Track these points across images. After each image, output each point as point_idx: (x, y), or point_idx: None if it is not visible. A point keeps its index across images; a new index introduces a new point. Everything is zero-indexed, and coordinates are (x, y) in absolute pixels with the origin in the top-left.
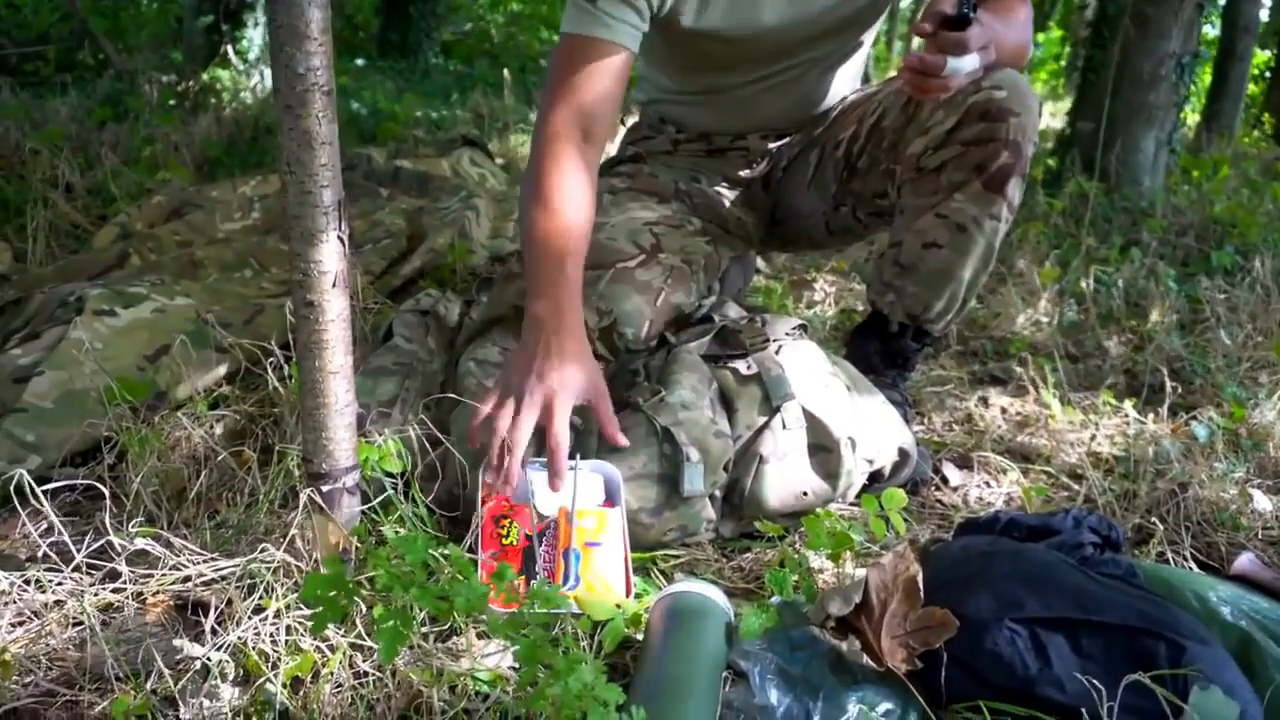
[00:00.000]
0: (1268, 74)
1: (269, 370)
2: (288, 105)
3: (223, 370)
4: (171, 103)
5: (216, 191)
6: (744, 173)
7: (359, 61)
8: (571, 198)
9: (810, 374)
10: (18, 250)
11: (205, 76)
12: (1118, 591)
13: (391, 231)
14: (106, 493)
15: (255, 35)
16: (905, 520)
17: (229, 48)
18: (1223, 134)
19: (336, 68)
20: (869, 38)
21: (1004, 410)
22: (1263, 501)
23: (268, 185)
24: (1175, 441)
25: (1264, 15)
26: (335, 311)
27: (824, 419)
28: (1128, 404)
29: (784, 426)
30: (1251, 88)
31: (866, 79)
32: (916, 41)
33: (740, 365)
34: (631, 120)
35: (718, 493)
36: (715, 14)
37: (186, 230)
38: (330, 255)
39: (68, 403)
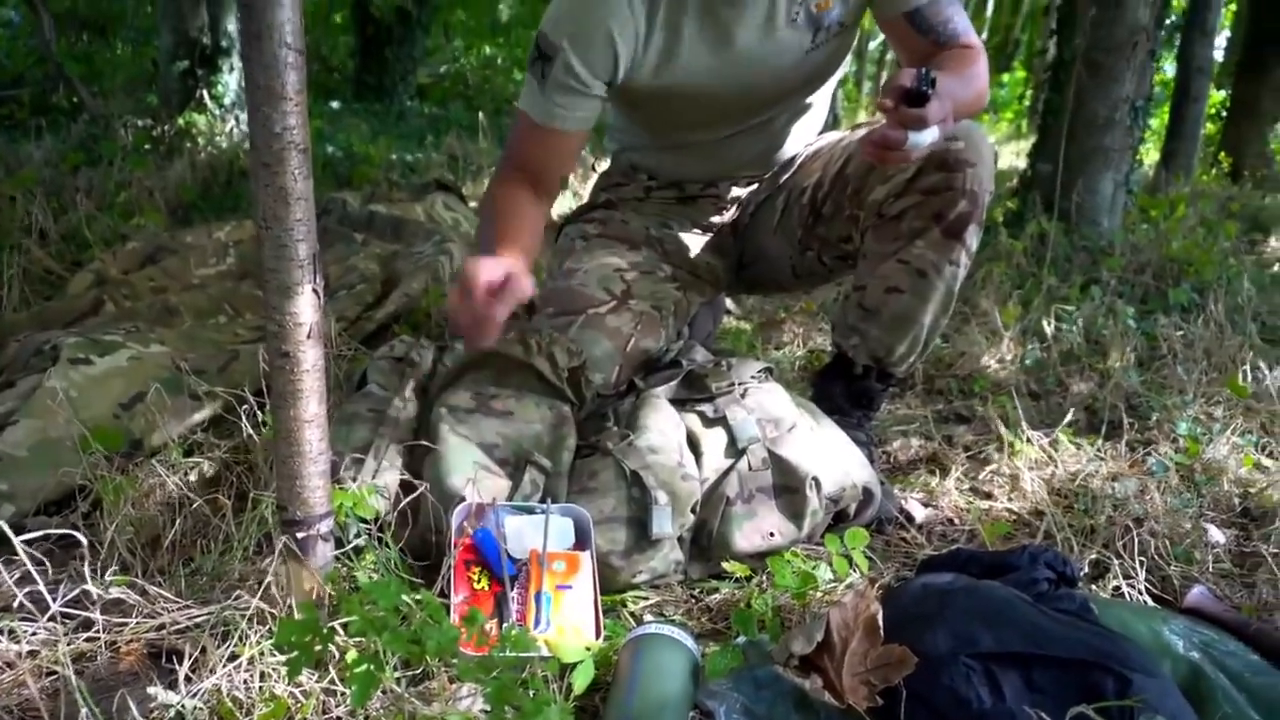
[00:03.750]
0: (1224, 113)
1: (243, 418)
2: (265, 163)
3: (198, 417)
4: (146, 147)
5: (191, 237)
6: (714, 218)
7: (334, 104)
8: (522, 212)
9: (775, 416)
10: None
11: (180, 121)
12: (1069, 626)
13: (366, 277)
14: (84, 541)
15: (230, 80)
16: (870, 559)
17: (204, 92)
18: (1178, 174)
19: (312, 110)
20: (831, 86)
21: (967, 448)
22: (1216, 535)
23: (242, 230)
24: (1132, 477)
25: (1219, 55)
26: (310, 362)
27: (789, 460)
28: (1085, 441)
29: (750, 468)
30: (1210, 127)
31: (835, 120)
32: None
33: (707, 408)
34: (604, 166)
35: (686, 535)
36: (674, 72)
37: (161, 276)
38: (305, 307)
39: (42, 451)
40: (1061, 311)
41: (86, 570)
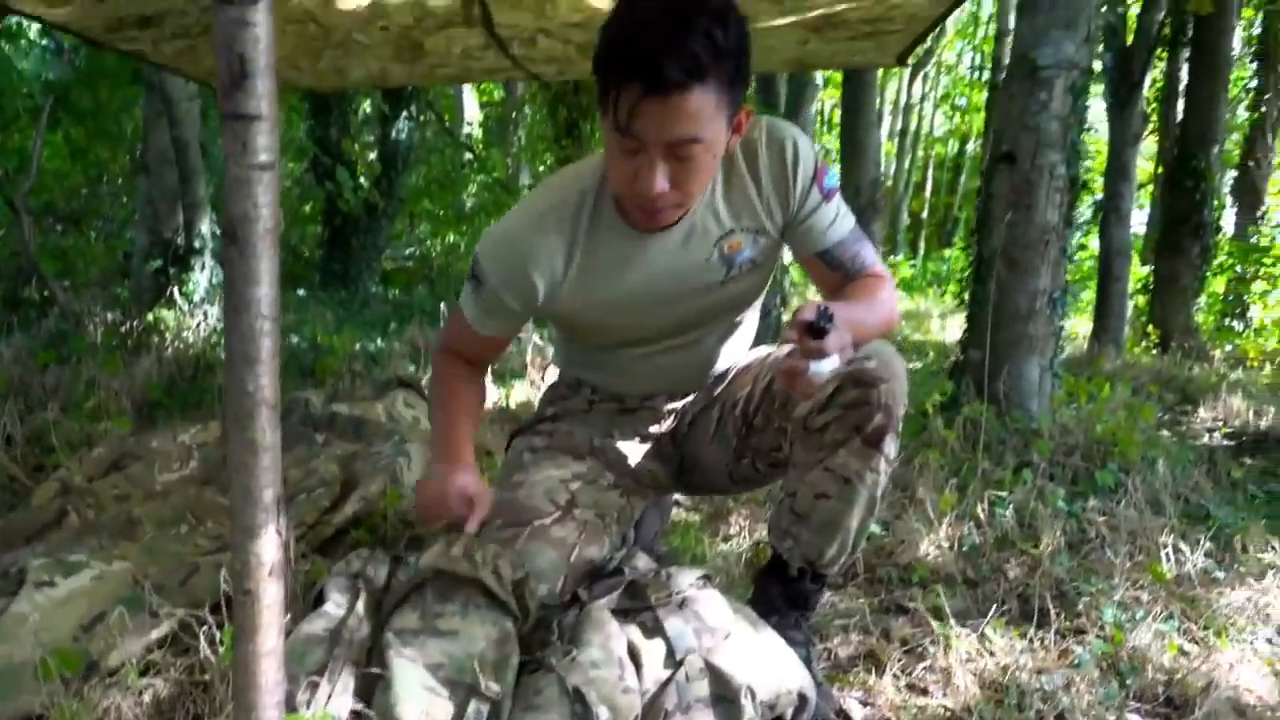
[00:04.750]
0: (1151, 288)
1: (201, 637)
2: (236, 419)
3: (156, 634)
4: (114, 343)
5: (156, 441)
6: (653, 428)
7: (300, 292)
8: (464, 393)
9: (713, 625)
10: None
11: (150, 317)
12: None
13: (325, 480)
14: None
15: (201, 278)
16: None
17: (174, 289)
18: (1102, 353)
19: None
20: (758, 308)
21: (905, 641)
22: None
23: (206, 433)
24: (1059, 669)
25: (1143, 229)
26: (270, 598)
27: (725, 670)
28: (1014, 633)
29: (687, 679)
30: (1141, 300)
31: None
32: None
33: (647, 618)
34: (552, 376)
35: None
36: (597, 303)
37: (125, 484)
38: (268, 547)
39: (6, 679)
40: (995, 497)
41: None
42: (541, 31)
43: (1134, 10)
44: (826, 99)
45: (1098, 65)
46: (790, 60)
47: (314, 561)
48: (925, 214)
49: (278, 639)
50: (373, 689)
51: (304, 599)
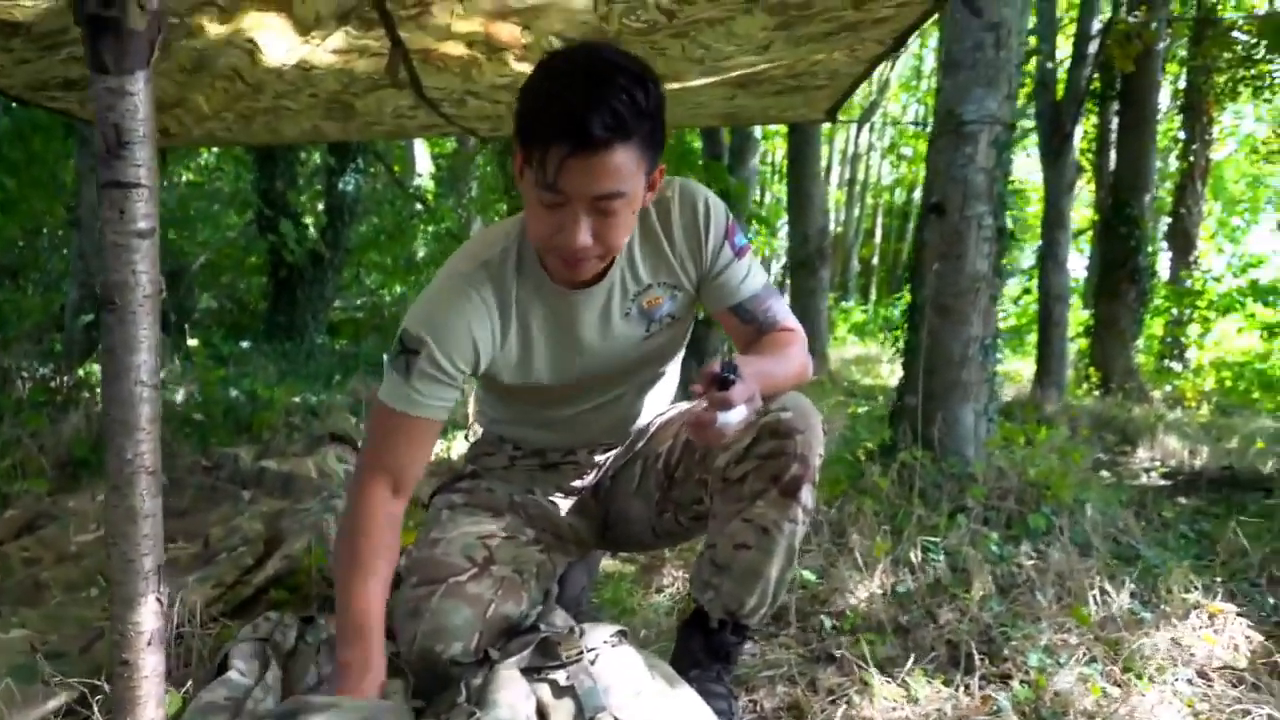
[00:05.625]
0: (1090, 332)
1: (95, 708)
2: (115, 486)
3: (51, 705)
4: (42, 399)
5: (74, 501)
6: (576, 483)
7: (244, 344)
8: (377, 557)
9: (624, 682)
10: None
11: (80, 372)
12: None
13: (248, 538)
14: None
15: None
16: None
17: None
18: (1044, 396)
19: (225, 348)
20: (678, 361)
21: (831, 691)
22: None
23: None
24: (979, 716)
25: (1082, 274)
26: (150, 668)
27: None
28: (938, 680)
29: None
30: (1084, 343)
31: None
32: None
33: (559, 676)
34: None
35: None
36: (530, 367)
37: (37, 546)
38: (148, 616)
39: None
40: (928, 542)
41: None
42: (469, 94)
43: (1064, 66)
44: (775, 149)
45: (1031, 119)
46: (722, 115)
47: (223, 626)
48: (876, 260)
49: (156, 710)
50: None
51: (210, 663)
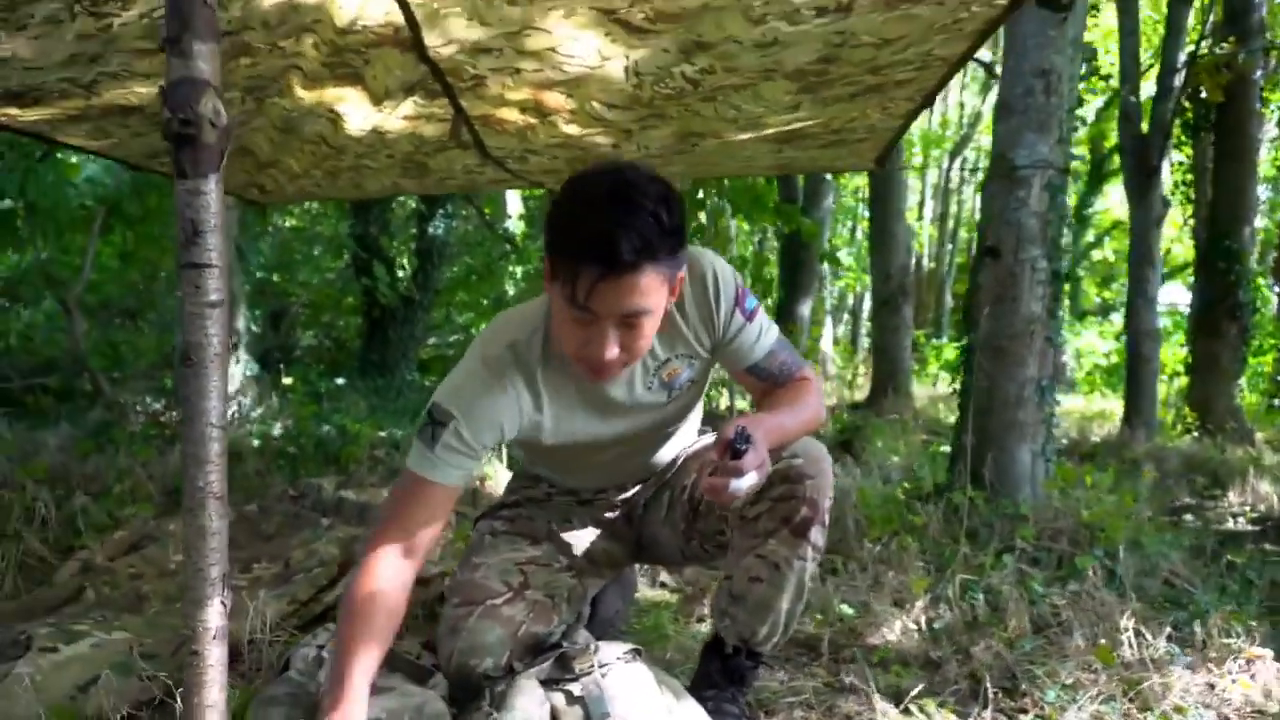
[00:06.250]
0: (1187, 371)
1: (178, 698)
2: (189, 509)
3: (143, 697)
4: (152, 432)
5: (174, 525)
6: (608, 515)
7: (339, 380)
8: (380, 612)
9: (633, 695)
10: None
11: None
12: None
13: (324, 560)
14: None
15: (236, 371)
16: None
17: None
18: (1132, 437)
19: (321, 385)
20: (699, 408)
21: (848, 718)
22: None
23: None
24: None
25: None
26: (214, 658)
27: None
28: (954, 714)
29: None
30: (1184, 381)
31: None
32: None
33: (574, 687)
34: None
35: None
36: (569, 431)
37: (141, 564)
38: (214, 615)
39: None
40: (968, 581)
41: None
42: (529, 151)
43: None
44: (866, 187)
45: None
46: (773, 166)
47: (290, 635)
48: (913, 303)
49: (220, 694)
50: None
51: (272, 673)
